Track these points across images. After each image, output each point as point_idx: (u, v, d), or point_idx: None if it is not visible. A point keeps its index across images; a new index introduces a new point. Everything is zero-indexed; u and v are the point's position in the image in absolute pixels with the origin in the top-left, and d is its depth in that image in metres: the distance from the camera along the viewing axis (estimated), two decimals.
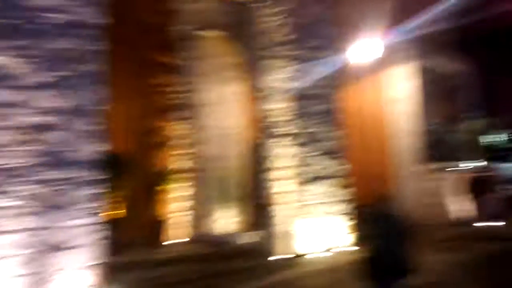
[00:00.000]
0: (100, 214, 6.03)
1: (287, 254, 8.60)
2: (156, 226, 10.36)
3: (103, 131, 6.21)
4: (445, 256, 8.00)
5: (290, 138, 9.34)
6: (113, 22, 6.76)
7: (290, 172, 9.14)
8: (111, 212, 9.13)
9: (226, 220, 11.05)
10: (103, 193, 6.10)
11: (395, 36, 11.47)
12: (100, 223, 6.02)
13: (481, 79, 17.24)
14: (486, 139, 18.51)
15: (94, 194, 6.02)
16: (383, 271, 4.71)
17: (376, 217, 4.99)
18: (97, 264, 5.90)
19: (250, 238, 10.16)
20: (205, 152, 11.18)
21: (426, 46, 12.43)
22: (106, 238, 6.06)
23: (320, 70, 9.78)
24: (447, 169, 12.64)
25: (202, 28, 11.29)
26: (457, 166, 12.87)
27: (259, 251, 8.75)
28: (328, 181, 9.40)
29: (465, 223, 11.28)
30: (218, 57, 11.61)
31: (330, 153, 9.60)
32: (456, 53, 13.68)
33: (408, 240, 4.88)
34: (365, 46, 11.47)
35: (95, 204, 6.01)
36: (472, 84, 15.62)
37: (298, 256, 8.59)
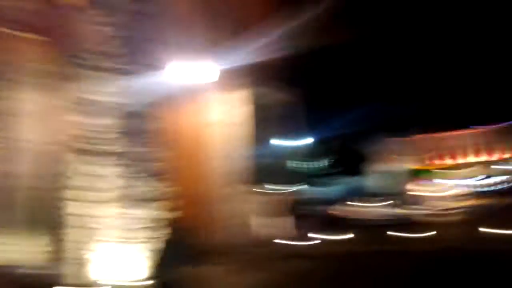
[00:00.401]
0: None
1: (80, 283, 7.82)
2: None
3: None
4: (254, 275, 8.25)
5: (109, 156, 8.69)
6: None
7: (104, 194, 8.46)
8: None
9: (14, 248, 9.58)
10: None
11: (227, 61, 11.71)
12: None
13: (308, 108, 18.86)
14: (306, 164, 20.37)
15: None
16: None
17: (170, 245, 4.84)
18: None
19: (41, 267, 8.98)
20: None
21: (258, 73, 12.99)
22: None
23: (146, 88, 9.39)
24: (265, 192, 13.35)
25: (11, 27, 9.88)
26: (275, 189, 13.72)
27: (48, 281, 7.81)
28: (148, 204, 8.96)
29: (275, 242, 11.96)
30: (30, 62, 10.28)
31: (153, 175, 9.20)
32: (286, 82, 14.64)
33: (198, 266, 4.83)
34: (195, 68, 11.45)
35: None
36: (299, 112, 16.94)
37: (90, 285, 7.89)
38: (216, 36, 11.45)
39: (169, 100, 10.47)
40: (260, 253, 10.54)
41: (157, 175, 9.17)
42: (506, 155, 61.92)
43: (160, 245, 8.09)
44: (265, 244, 11.73)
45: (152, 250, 8.27)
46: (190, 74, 11.38)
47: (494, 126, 60.59)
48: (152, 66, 9.56)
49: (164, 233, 8.31)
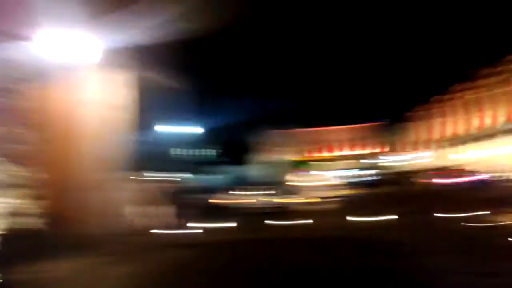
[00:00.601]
0: None
1: None
2: None
3: None
4: (127, 267, 7.77)
5: None
6: None
7: None
8: None
9: None
10: None
11: (111, 39, 10.85)
12: None
13: (197, 97, 18.42)
14: (191, 152, 19.97)
15: None
16: None
17: (33, 236, 4.31)
18: None
19: None
20: None
21: (145, 56, 12.27)
22: None
23: (9, 60, 8.30)
24: (146, 179, 12.77)
25: None
26: (157, 177, 13.18)
27: None
28: (7, 192, 7.95)
29: (154, 232, 11.49)
30: None
31: (15, 159, 8.19)
32: (175, 68, 14.04)
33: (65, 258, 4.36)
34: (72, 43, 10.40)
35: None
36: (188, 100, 16.42)
37: None
38: (100, 10, 10.54)
39: (39, 76, 9.45)
40: (136, 243, 10.08)
41: (20, 159, 8.21)
42: (377, 150, 68.06)
43: (20, 236, 7.25)
44: (143, 233, 11.25)
45: (7, 243, 7.36)
46: (65, 48, 10.35)
47: (367, 124, 66.33)
48: (17, 36, 8.50)
49: (25, 223, 7.45)
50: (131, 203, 12.14)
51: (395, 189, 28.77)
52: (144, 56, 12.11)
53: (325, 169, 39.10)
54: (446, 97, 55.39)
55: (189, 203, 13.95)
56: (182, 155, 19.45)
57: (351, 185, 34.07)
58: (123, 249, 9.30)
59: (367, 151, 67.37)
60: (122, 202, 11.82)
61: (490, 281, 6.12)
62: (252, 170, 31.23)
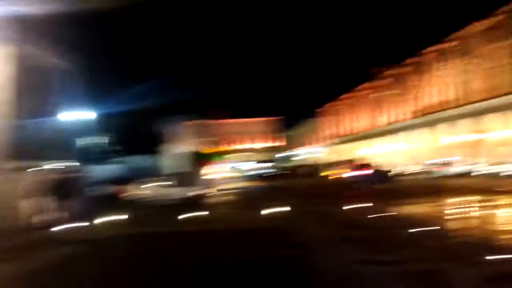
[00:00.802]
0: None
1: None
2: None
3: None
4: (10, 265, 6.80)
5: None
6: None
7: None
8: None
9: None
10: None
11: None
12: None
13: (92, 79, 16.91)
14: (89, 140, 18.49)
15: None
16: None
17: None
18: None
19: None
20: None
21: (25, 30, 10.84)
22: None
23: None
24: (31, 169, 11.40)
25: None
26: (43, 166, 11.82)
27: None
28: None
29: (44, 227, 10.30)
30: None
31: None
32: (65, 45, 12.66)
33: None
34: None
35: None
36: (81, 82, 14.97)
37: None
38: None
39: None
40: (27, 239, 9.06)
41: None
42: (286, 144, 69.69)
43: None
44: (37, 229, 10.02)
45: None
46: None
47: (277, 117, 67.81)
48: None
49: None
50: (25, 196, 10.73)
51: (305, 181, 29.50)
52: (28, 29, 10.70)
53: (234, 161, 39.16)
54: (352, 95, 58.45)
55: (92, 195, 12.81)
56: (80, 143, 17.95)
57: (263, 176, 34.43)
58: (10, 247, 8.25)
59: (278, 144, 69.28)
60: (13, 195, 10.40)
61: (392, 269, 6.13)
62: (159, 160, 30.21)
